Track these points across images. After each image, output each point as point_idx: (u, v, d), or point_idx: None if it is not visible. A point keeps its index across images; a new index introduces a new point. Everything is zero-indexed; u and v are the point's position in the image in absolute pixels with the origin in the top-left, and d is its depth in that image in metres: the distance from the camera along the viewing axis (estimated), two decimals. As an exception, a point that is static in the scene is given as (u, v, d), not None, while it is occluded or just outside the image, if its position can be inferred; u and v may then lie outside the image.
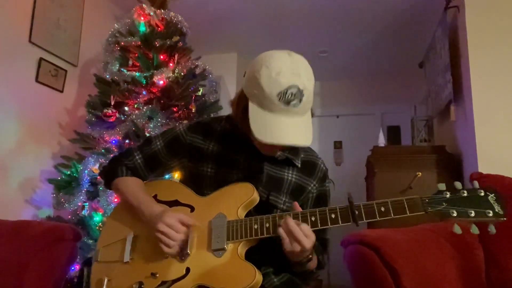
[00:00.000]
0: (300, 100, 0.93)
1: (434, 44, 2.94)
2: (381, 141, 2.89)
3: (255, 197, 1.03)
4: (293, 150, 1.15)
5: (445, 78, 2.61)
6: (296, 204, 1.01)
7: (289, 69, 0.93)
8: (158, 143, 1.18)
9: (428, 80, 3.33)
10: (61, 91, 2.60)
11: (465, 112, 2.33)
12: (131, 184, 1.16)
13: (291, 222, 0.93)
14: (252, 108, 0.96)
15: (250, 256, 1.00)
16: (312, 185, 1.16)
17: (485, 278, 1.53)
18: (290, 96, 0.92)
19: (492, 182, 1.65)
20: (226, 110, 2.68)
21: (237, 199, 1.03)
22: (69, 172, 2.23)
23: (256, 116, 0.95)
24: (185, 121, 2.30)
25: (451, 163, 2.49)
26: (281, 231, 0.93)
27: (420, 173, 2.34)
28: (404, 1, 2.96)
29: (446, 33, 2.56)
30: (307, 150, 1.21)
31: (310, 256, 0.99)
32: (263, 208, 1.06)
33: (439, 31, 2.74)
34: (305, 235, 0.92)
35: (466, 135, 2.33)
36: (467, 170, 2.34)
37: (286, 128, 0.93)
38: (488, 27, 2.24)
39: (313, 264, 1.05)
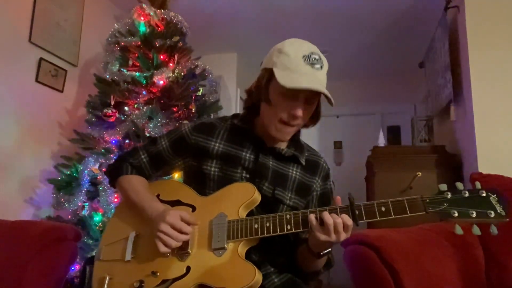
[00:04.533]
0: (321, 67, 1.02)
1: (434, 44, 2.94)
2: (381, 141, 2.89)
3: (256, 197, 1.03)
4: (299, 148, 1.17)
5: (445, 78, 2.61)
6: (338, 198, 0.98)
7: (307, 44, 1.05)
8: (163, 143, 1.19)
9: (428, 80, 3.33)
10: (61, 91, 2.60)
11: (465, 112, 2.33)
12: (134, 182, 1.17)
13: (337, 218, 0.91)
14: (278, 72, 1.00)
15: (251, 256, 1.00)
16: (317, 183, 1.17)
17: (485, 278, 1.53)
18: (314, 59, 1.01)
19: (492, 182, 1.65)
20: (226, 110, 2.69)
21: (238, 199, 1.03)
22: (69, 172, 2.23)
23: (282, 74, 0.99)
24: (185, 121, 2.30)
25: (451, 163, 2.49)
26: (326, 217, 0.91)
27: (420, 173, 2.34)
28: (404, 1, 2.96)
29: (446, 33, 2.56)
30: (310, 149, 1.23)
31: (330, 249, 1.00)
32: (269, 203, 1.06)
33: (439, 31, 2.74)
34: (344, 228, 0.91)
35: (466, 135, 2.33)
36: (467, 170, 2.34)
37: (310, 79, 0.99)
38: (488, 27, 2.24)
39: (323, 261, 1.06)
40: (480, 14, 2.27)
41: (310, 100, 1.03)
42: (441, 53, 2.71)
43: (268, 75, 1.04)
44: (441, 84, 2.75)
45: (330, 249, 0.99)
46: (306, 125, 1.13)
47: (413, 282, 1.32)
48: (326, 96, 0.99)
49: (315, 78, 1.00)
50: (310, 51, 1.01)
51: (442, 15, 2.63)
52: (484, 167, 2.08)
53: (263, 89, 1.05)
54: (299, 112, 1.02)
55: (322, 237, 0.91)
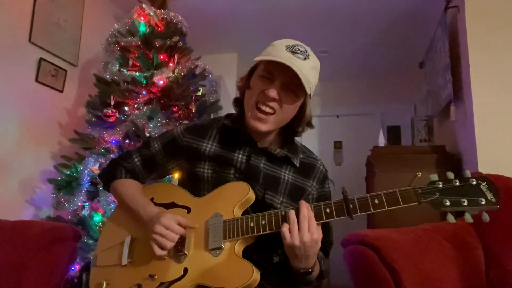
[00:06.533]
0: (305, 58, 1.01)
1: (434, 44, 2.94)
2: (381, 141, 2.89)
3: (251, 195, 1.03)
4: (293, 149, 1.15)
5: (445, 78, 2.61)
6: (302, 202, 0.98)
7: (299, 42, 1.05)
8: (155, 145, 1.19)
9: (428, 80, 3.33)
10: (61, 91, 2.60)
11: (465, 112, 2.33)
12: (128, 186, 1.17)
13: (304, 209, 0.92)
14: (259, 57, 1.02)
15: (250, 255, 0.99)
16: (312, 186, 1.15)
17: (485, 278, 1.53)
18: (297, 49, 1.01)
19: (492, 182, 1.65)
20: (226, 110, 2.68)
21: (233, 198, 1.03)
22: (69, 172, 2.23)
23: (261, 57, 1.02)
24: (185, 121, 2.30)
25: (451, 163, 2.49)
26: (290, 213, 0.93)
27: (420, 173, 2.33)
28: (404, 1, 2.96)
29: (446, 33, 2.56)
30: (306, 151, 1.21)
31: (310, 270, 0.97)
32: (259, 207, 1.05)
33: (439, 31, 2.74)
34: (308, 226, 0.91)
35: (466, 135, 2.33)
36: (467, 170, 2.34)
37: (285, 60, 0.97)
38: (488, 27, 2.24)
39: (313, 274, 1.03)
40: (480, 14, 2.27)
41: (287, 85, 1.01)
42: (441, 53, 2.71)
43: (253, 66, 1.08)
44: (441, 84, 2.75)
45: (310, 270, 0.97)
46: (295, 129, 1.11)
47: (413, 282, 1.32)
48: (302, 82, 0.97)
49: (292, 63, 0.96)
50: (296, 43, 1.03)
51: (442, 15, 2.63)
52: (484, 167, 2.08)
53: (246, 79, 1.09)
54: (272, 93, 1.00)
55: (286, 234, 0.91)
